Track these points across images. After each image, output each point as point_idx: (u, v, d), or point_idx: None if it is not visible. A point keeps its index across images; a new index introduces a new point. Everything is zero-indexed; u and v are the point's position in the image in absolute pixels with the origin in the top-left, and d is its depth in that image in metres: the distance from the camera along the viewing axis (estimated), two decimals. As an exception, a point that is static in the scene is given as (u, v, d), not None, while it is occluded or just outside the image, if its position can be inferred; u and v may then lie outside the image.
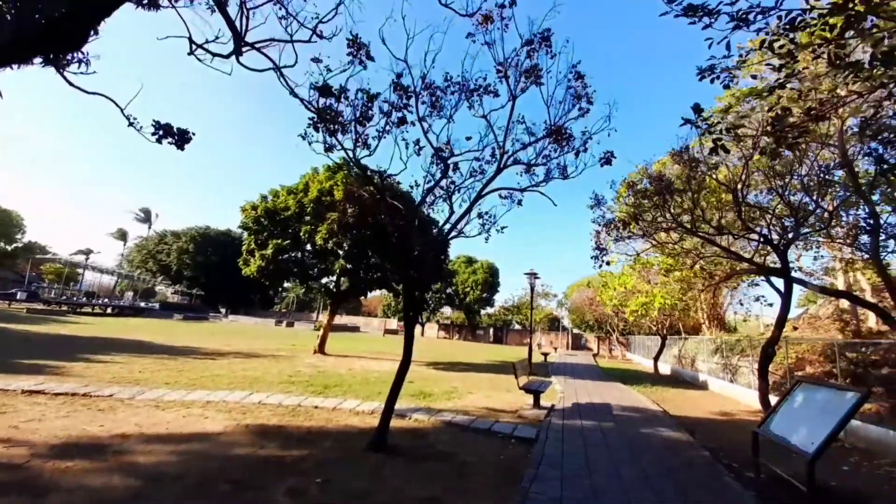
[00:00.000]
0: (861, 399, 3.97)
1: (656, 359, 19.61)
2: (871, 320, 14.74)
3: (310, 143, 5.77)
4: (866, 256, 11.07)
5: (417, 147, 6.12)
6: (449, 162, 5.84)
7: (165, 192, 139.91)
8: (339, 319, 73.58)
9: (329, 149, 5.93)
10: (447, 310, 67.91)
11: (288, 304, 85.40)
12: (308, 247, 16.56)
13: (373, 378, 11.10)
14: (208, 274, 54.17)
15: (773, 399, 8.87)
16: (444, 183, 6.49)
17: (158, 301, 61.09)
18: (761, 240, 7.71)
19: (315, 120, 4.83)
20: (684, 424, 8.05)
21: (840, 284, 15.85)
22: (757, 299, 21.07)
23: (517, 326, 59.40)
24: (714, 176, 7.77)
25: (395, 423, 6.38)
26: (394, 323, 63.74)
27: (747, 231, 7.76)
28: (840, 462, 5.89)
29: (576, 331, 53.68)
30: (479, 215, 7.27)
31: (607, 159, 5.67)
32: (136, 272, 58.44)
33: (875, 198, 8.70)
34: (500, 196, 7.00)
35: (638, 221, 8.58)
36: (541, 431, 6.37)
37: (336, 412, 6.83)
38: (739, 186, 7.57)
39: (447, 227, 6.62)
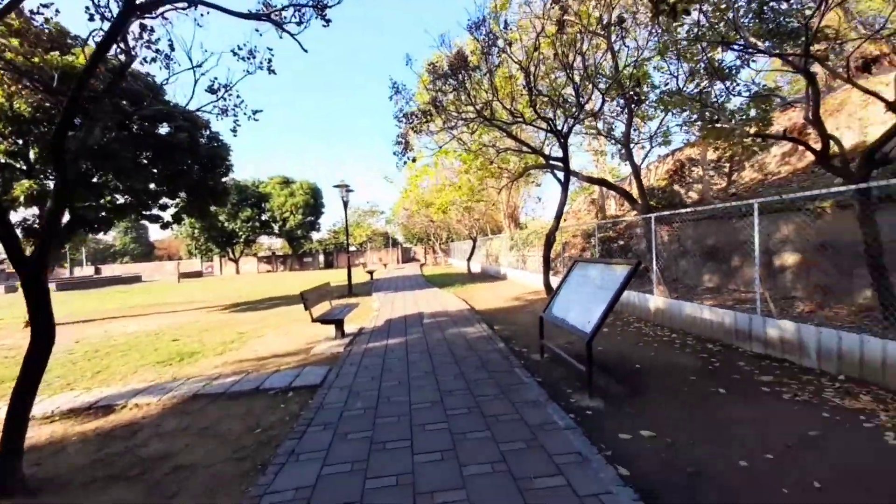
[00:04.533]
0: (631, 271, 3.92)
1: (469, 260, 21.43)
2: (612, 208, 18.99)
3: None
4: (615, 156, 13.27)
5: None
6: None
7: None
8: (116, 269, 56.67)
9: None
10: (268, 240, 60.18)
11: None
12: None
13: (109, 349, 7.75)
14: None
15: (555, 280, 10.11)
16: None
17: None
18: (548, 128, 7.68)
19: None
20: (486, 319, 8.30)
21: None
22: (538, 200, 25.16)
23: (353, 248, 57.84)
24: (509, 52, 7.07)
25: (91, 424, 4.01)
26: (197, 263, 52.84)
27: (537, 117, 7.59)
28: (600, 325, 6.76)
29: (406, 245, 55.90)
30: (212, 90, 4.64)
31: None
32: None
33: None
34: (237, 54, 4.45)
35: (439, 110, 7.41)
36: (333, 369, 5.12)
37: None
38: (532, 69, 7.06)
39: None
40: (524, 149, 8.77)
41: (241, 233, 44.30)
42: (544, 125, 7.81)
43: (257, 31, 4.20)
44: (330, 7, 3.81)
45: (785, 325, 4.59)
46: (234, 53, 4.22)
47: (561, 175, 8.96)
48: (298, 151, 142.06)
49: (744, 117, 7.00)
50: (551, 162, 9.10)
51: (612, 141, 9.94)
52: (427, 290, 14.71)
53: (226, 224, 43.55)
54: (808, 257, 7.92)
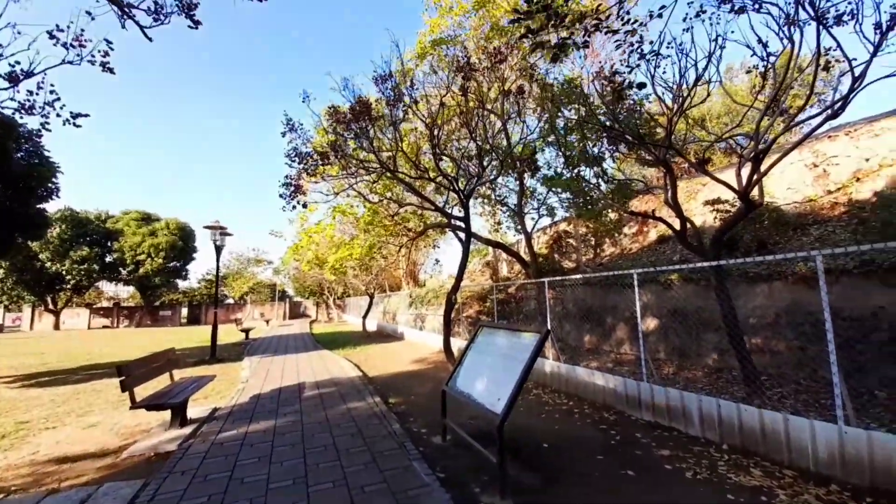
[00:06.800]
0: (541, 341, 3.62)
1: (364, 317, 20.03)
2: (504, 270, 20.13)
3: None
4: (504, 224, 14.22)
5: None
6: None
7: None
8: None
9: None
10: (113, 287, 48.43)
11: None
12: None
13: None
14: None
15: (456, 342, 9.68)
16: None
17: None
18: (451, 187, 7.69)
19: None
20: (380, 389, 7.28)
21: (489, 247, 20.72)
22: (436, 262, 25.90)
23: (230, 300, 49.95)
24: (415, 109, 7.07)
25: None
26: (-5, 315, 39.05)
27: (440, 174, 7.56)
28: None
29: (297, 298, 50.74)
30: (12, 77, 3.29)
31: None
32: None
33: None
34: (55, 37, 3.29)
35: (337, 154, 6.83)
36: (150, 485, 3.53)
37: None
38: (437, 126, 7.11)
39: None
40: (426, 204, 8.66)
41: (69, 276, 34.79)
42: (447, 183, 7.82)
43: (88, 13, 3.17)
44: (197, 3, 3.04)
45: (670, 393, 4.77)
46: (52, 36, 3.07)
47: (462, 235, 8.96)
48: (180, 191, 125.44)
49: (610, 200, 8.03)
50: (453, 221, 9.10)
51: (505, 209, 10.61)
52: (314, 353, 12.87)
53: (47, 265, 33.95)
54: (665, 322, 9.05)
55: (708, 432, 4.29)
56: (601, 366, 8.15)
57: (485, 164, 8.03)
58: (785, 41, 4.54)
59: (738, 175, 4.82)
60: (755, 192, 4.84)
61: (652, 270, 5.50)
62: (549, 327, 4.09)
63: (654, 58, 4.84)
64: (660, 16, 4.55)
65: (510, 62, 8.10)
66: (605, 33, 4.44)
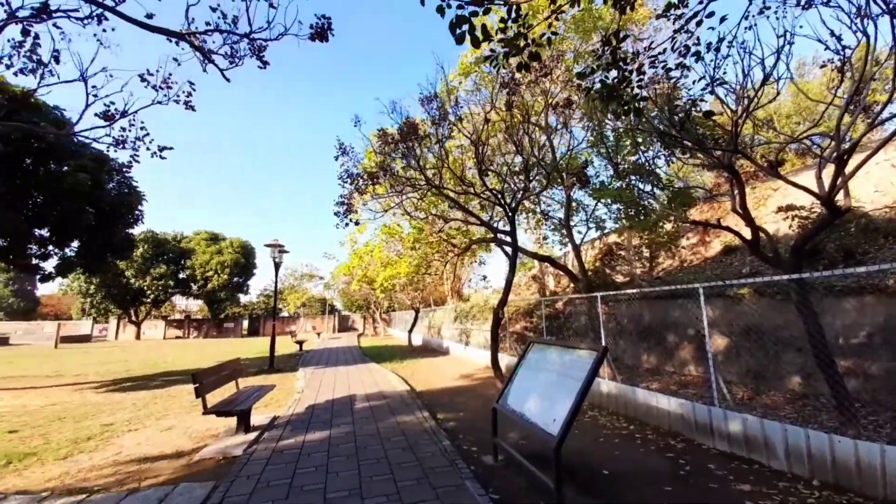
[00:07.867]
0: (599, 359, 3.45)
1: (410, 332, 20.27)
2: (551, 284, 19.56)
3: None
4: (550, 239, 13.87)
5: None
6: None
7: None
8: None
9: None
10: (184, 301, 53.26)
11: None
12: None
13: None
14: None
15: (503, 358, 9.49)
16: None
17: None
18: (497, 201, 7.69)
19: None
20: (428, 404, 7.28)
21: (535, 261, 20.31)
22: (484, 278, 25.84)
23: (285, 314, 53.09)
24: (460, 126, 7.22)
25: None
26: (86, 324, 44.31)
27: (485, 189, 7.60)
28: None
29: (345, 312, 52.69)
30: (107, 116, 3.81)
31: (320, 31, 3.47)
32: None
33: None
34: (146, 80, 3.77)
35: (386, 173, 7.12)
36: (220, 486, 3.76)
37: None
38: (482, 142, 7.18)
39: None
40: (471, 220, 8.72)
41: (149, 291, 38.71)
42: (493, 198, 7.83)
43: (175, 60, 3.63)
44: (266, 47, 3.36)
45: (747, 421, 4.31)
46: (143, 79, 3.53)
47: (509, 249, 8.87)
48: (246, 209, 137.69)
49: (668, 210, 7.58)
50: (499, 236, 9.05)
51: (550, 223, 10.40)
52: (363, 366, 13.21)
53: (132, 281, 38.04)
54: (736, 341, 8.24)
55: (795, 466, 3.80)
56: (664, 387, 7.58)
57: (531, 177, 7.96)
58: (859, 34, 4.14)
59: (819, 178, 4.37)
60: (839, 196, 4.35)
61: (720, 284, 5.08)
62: (605, 344, 3.89)
63: (716, 75, 4.59)
64: (717, 49, 4.39)
65: (554, 76, 8.05)
66: (663, 69, 4.32)
